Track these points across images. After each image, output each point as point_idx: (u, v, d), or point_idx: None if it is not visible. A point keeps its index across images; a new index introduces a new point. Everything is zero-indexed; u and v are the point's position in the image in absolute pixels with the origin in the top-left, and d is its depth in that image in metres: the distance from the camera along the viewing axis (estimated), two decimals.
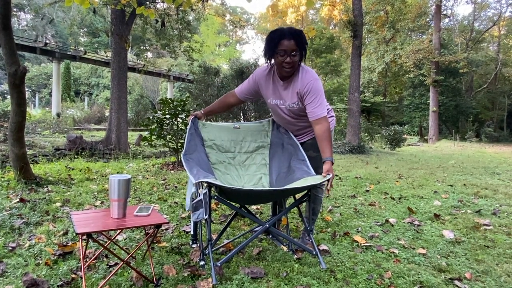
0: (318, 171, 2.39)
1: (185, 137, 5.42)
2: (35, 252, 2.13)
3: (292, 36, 2.06)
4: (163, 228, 2.63)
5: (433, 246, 2.46)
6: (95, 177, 4.67)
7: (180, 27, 10.25)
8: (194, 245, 2.23)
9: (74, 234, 2.41)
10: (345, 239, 2.55)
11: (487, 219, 3.09)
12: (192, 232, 2.22)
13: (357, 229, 2.78)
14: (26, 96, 4.12)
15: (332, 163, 2.12)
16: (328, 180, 2.04)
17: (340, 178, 5.22)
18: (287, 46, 2.07)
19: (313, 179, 2.08)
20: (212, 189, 1.92)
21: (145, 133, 6.29)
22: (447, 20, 28.83)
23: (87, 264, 1.96)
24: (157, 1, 8.71)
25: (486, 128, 24.61)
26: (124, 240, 2.40)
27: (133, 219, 1.79)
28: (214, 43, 32.81)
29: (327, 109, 2.36)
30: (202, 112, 2.45)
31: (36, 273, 1.86)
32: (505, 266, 2.15)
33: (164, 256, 2.14)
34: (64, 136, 10.04)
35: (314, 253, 2.12)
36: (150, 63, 21.82)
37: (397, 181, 5.08)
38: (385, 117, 29.06)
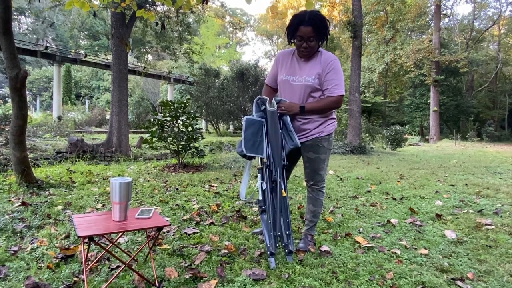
0: (318, 172, 2.39)
1: (186, 139, 5.44)
2: (37, 255, 2.13)
3: (311, 23, 2.11)
4: (164, 230, 2.63)
5: (435, 246, 2.45)
6: (97, 180, 4.67)
7: (180, 29, 10.27)
8: (264, 215, 2.21)
9: (76, 237, 2.42)
10: (346, 240, 2.54)
11: (489, 219, 3.08)
12: (260, 197, 2.22)
13: (359, 230, 2.77)
14: (27, 100, 4.13)
15: (301, 110, 2.23)
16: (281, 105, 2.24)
17: (341, 178, 5.22)
18: (304, 32, 2.13)
19: None
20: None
21: (146, 136, 6.30)
22: (447, 19, 28.85)
23: (89, 267, 1.96)
24: (157, 3, 8.73)
25: (487, 128, 24.57)
26: (126, 243, 2.40)
27: (134, 222, 1.79)
28: (214, 45, 32.86)
29: (331, 111, 2.35)
30: None
31: (38, 277, 1.86)
32: (508, 266, 2.14)
33: (166, 258, 2.14)
34: (65, 139, 10.06)
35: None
36: (151, 66, 21.87)
37: (398, 181, 5.07)
38: (386, 117, 29.03)
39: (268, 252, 2.09)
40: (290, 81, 2.29)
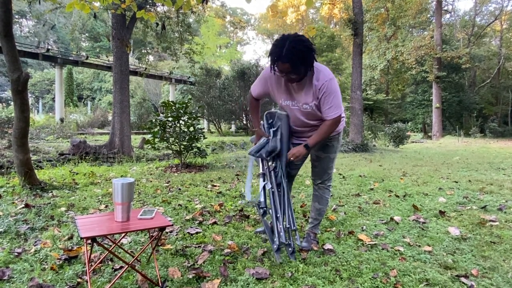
0: (326, 171, 2.39)
1: (188, 139, 5.43)
2: (41, 257, 2.14)
3: (287, 59, 1.96)
4: (167, 230, 2.63)
5: (439, 243, 2.44)
6: (99, 181, 4.68)
7: (181, 29, 10.27)
8: (265, 217, 2.23)
9: (79, 239, 2.42)
10: (350, 238, 2.54)
11: (493, 215, 3.07)
12: (261, 199, 2.23)
13: (362, 228, 2.77)
14: (29, 102, 4.14)
15: (306, 148, 2.21)
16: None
17: (344, 176, 5.20)
18: (283, 68, 2.02)
19: None
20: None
21: (148, 136, 6.31)
22: (448, 15, 28.75)
23: (92, 268, 1.97)
24: (157, 4, 8.74)
25: (490, 123, 24.48)
26: (129, 243, 2.40)
27: (137, 222, 1.80)
28: (215, 44, 32.85)
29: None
30: (258, 128, 2.46)
31: (42, 278, 1.87)
32: None
33: (169, 258, 2.14)
34: (68, 141, 10.09)
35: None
36: (152, 66, 21.90)
37: (401, 178, 5.05)
38: (388, 115, 28.97)
39: (274, 246, 2.10)
40: (290, 106, 2.25)
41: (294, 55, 1.96)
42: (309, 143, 2.19)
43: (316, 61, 2.08)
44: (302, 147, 2.21)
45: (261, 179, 2.30)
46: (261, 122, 2.49)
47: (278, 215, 2.18)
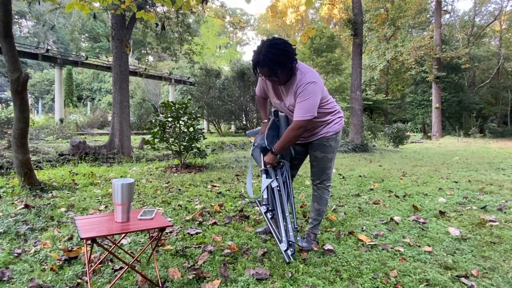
0: (324, 171, 2.39)
1: (187, 139, 5.46)
2: (41, 257, 2.14)
3: (264, 63, 2.05)
4: (167, 231, 2.63)
5: (439, 243, 2.44)
6: (99, 181, 4.68)
7: (180, 30, 10.26)
8: (269, 214, 2.26)
9: (79, 239, 2.42)
10: (350, 238, 2.54)
11: (493, 215, 3.07)
12: (265, 196, 2.28)
13: (362, 228, 2.77)
14: (29, 103, 4.14)
15: (272, 153, 2.29)
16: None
17: (343, 177, 5.20)
18: (263, 73, 2.12)
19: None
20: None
21: (148, 137, 6.30)
22: (447, 16, 28.78)
23: (92, 268, 1.96)
24: (156, 4, 8.73)
25: (490, 124, 24.46)
26: (129, 244, 2.40)
27: (137, 223, 1.79)
28: (215, 45, 32.82)
29: (334, 110, 2.35)
30: (266, 121, 2.51)
31: (42, 279, 1.86)
32: None
33: (169, 259, 2.14)
34: (68, 142, 10.07)
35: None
36: (151, 67, 21.90)
37: (401, 178, 5.05)
38: (387, 115, 28.96)
39: (283, 245, 2.12)
40: (282, 105, 2.34)
41: (270, 60, 2.04)
42: (274, 148, 2.28)
43: (295, 62, 2.12)
44: (270, 153, 2.31)
45: (264, 176, 2.32)
46: (270, 117, 2.55)
47: (287, 214, 2.22)
